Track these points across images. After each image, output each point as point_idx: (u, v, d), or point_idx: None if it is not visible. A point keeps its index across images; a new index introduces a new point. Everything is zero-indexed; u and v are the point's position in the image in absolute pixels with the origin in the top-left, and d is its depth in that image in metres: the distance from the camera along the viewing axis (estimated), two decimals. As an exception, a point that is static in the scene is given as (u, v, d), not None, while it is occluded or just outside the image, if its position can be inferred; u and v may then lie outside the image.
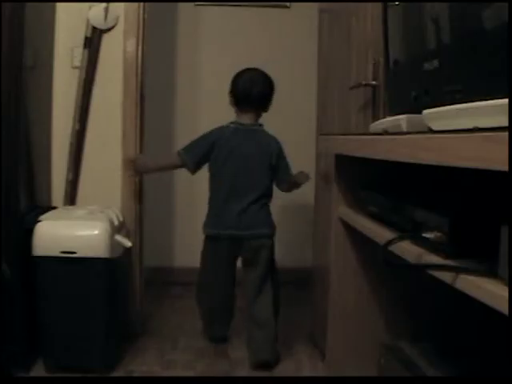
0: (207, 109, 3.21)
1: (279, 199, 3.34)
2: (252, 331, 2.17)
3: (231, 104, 2.23)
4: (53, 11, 2.32)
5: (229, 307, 2.30)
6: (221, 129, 2.19)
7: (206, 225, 2.21)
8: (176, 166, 2.29)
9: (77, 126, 2.33)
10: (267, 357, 2.12)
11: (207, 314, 2.36)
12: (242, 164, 2.15)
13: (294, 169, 3.25)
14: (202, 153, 2.17)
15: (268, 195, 2.20)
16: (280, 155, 2.22)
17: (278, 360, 2.18)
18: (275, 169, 2.20)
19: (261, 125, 2.24)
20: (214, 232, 2.17)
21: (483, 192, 0.82)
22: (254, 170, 2.16)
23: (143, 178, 2.45)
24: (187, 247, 3.12)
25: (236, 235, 2.13)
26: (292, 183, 2.28)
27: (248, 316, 2.19)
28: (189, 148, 2.20)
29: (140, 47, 2.36)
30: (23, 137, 2.14)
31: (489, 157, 0.55)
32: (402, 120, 0.95)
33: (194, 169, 2.21)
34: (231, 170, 2.15)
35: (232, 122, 2.20)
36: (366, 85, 1.72)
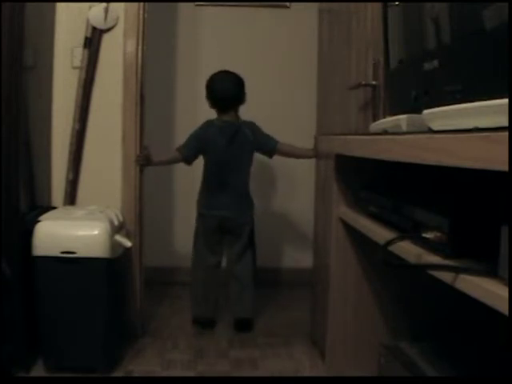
0: (207, 109, 3.20)
1: (280, 199, 3.35)
2: (234, 287, 2.57)
3: (211, 107, 2.53)
4: (53, 11, 2.32)
5: (215, 281, 2.59)
6: (207, 126, 2.53)
7: (202, 206, 2.57)
8: (176, 160, 2.56)
9: (77, 126, 2.33)
10: (247, 315, 2.55)
11: (199, 286, 2.58)
12: (229, 157, 2.50)
13: (294, 169, 3.25)
14: (195, 148, 2.52)
15: (248, 179, 2.58)
16: (257, 135, 2.54)
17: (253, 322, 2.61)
18: (259, 146, 2.55)
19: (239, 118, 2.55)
20: (208, 213, 2.53)
21: (483, 192, 0.81)
22: (238, 161, 2.52)
23: (143, 179, 2.45)
24: (187, 247, 3.11)
25: (226, 216, 2.52)
26: (290, 148, 2.57)
27: (231, 276, 2.58)
28: (185, 144, 2.53)
29: (140, 47, 2.35)
30: (23, 137, 2.14)
31: (489, 157, 0.55)
32: (402, 120, 0.95)
33: (192, 160, 2.55)
34: (220, 163, 2.50)
35: (217, 119, 2.53)
36: (365, 85, 1.72)
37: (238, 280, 2.57)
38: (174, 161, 2.59)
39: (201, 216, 2.58)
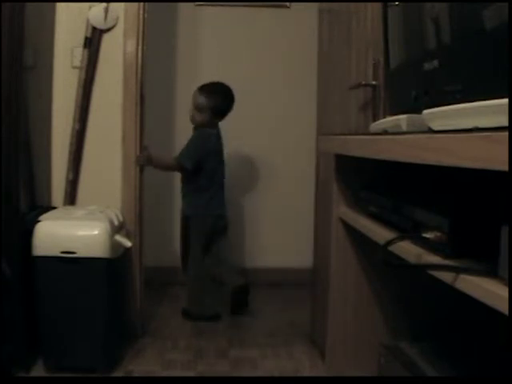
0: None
1: (280, 199, 3.35)
2: (225, 265, 2.76)
3: (207, 118, 2.61)
4: (53, 11, 2.32)
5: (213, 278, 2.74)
6: (207, 135, 2.63)
7: (203, 207, 2.65)
8: (175, 169, 2.70)
9: (77, 126, 2.33)
10: (243, 282, 2.67)
11: (201, 287, 2.70)
12: (222, 159, 2.68)
13: (294, 169, 3.25)
14: (199, 160, 2.60)
15: None
16: None
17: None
18: None
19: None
20: (206, 213, 2.64)
21: (483, 192, 0.81)
22: (223, 161, 2.70)
23: (143, 179, 2.45)
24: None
25: (221, 214, 2.70)
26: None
27: (218, 261, 2.73)
28: (189, 157, 2.60)
29: (140, 47, 2.35)
30: (23, 137, 2.14)
31: (489, 157, 0.55)
32: (402, 120, 0.95)
33: (192, 170, 2.63)
34: (216, 165, 2.65)
35: (212, 127, 2.65)
36: (365, 85, 1.72)
37: (225, 260, 2.80)
38: (174, 169, 2.72)
39: (195, 218, 2.67)
